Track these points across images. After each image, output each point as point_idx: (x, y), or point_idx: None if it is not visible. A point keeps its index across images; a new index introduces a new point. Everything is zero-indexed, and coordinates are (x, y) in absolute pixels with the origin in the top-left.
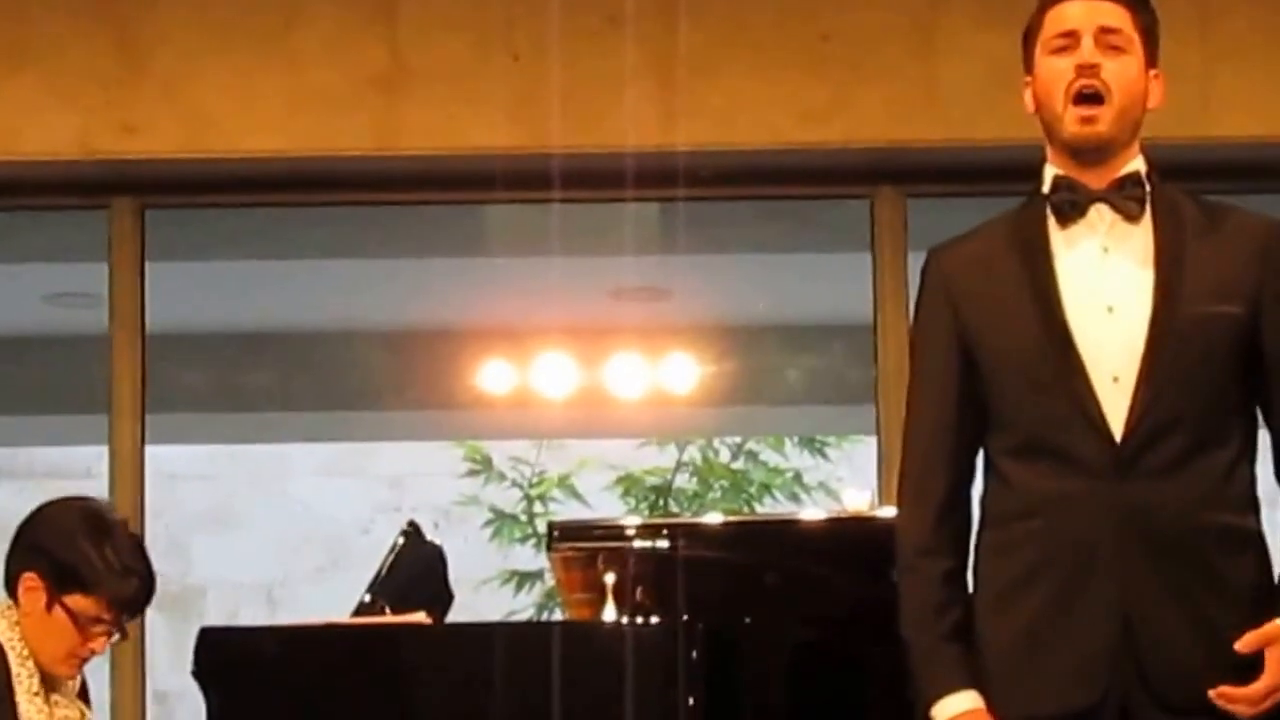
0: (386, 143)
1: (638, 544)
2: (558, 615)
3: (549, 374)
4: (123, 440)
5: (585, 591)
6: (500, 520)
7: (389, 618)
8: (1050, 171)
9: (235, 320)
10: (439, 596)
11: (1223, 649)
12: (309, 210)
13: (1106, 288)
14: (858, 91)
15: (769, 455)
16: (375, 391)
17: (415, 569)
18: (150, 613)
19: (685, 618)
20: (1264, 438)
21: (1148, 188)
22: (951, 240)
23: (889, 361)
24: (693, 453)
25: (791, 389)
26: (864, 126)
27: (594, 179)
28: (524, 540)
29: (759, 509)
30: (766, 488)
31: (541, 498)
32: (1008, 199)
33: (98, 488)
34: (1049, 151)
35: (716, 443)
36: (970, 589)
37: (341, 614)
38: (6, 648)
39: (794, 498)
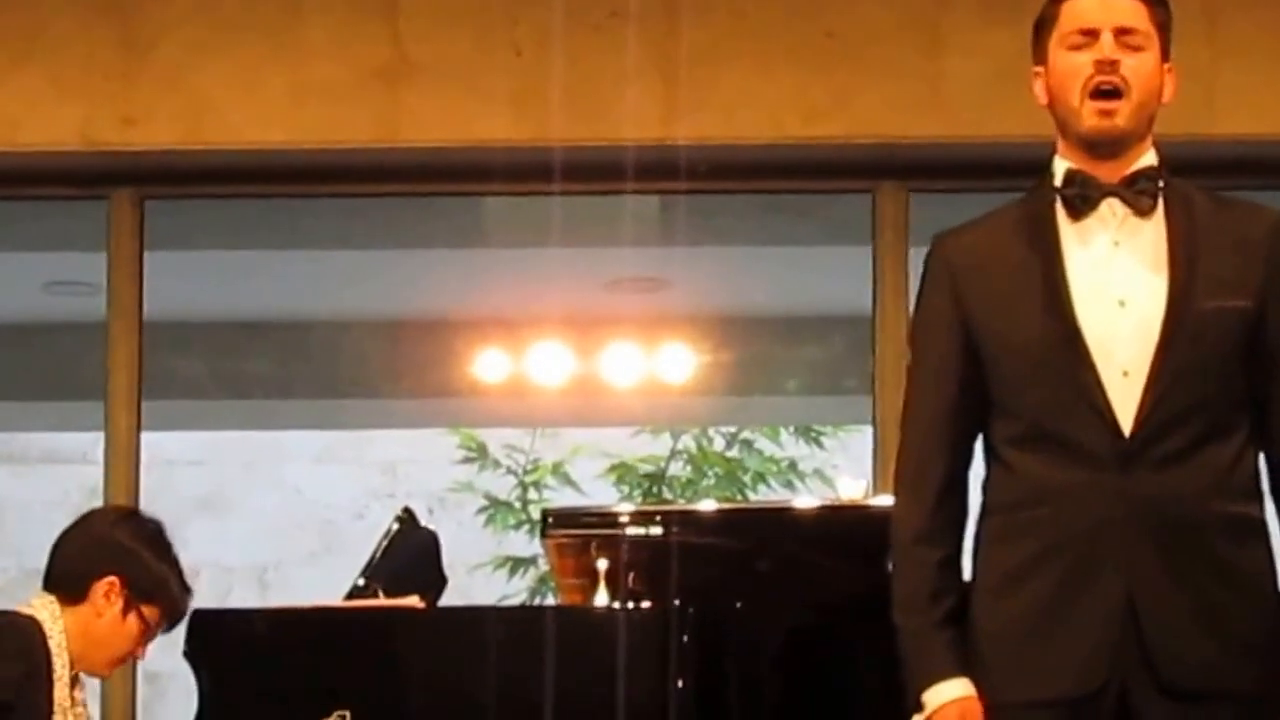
0: (388, 135)
1: (630, 530)
2: (551, 600)
3: (544, 363)
4: (119, 426)
5: (578, 577)
6: (494, 507)
7: (382, 601)
8: (1061, 165)
9: (232, 309)
10: (432, 581)
11: (1229, 636)
12: (307, 201)
13: (1117, 281)
14: (860, 87)
15: (764, 444)
16: (371, 379)
17: (409, 554)
18: None
19: (677, 603)
20: None
21: (1160, 183)
22: (957, 228)
23: (886, 353)
24: (687, 441)
25: (787, 380)
26: (866, 121)
27: (594, 172)
28: (518, 526)
29: (753, 497)
30: (761, 476)
31: (536, 485)
32: (1010, 194)
33: (94, 473)
34: (1060, 144)
35: (711, 431)
36: (967, 575)
37: (334, 598)
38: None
39: (789, 486)
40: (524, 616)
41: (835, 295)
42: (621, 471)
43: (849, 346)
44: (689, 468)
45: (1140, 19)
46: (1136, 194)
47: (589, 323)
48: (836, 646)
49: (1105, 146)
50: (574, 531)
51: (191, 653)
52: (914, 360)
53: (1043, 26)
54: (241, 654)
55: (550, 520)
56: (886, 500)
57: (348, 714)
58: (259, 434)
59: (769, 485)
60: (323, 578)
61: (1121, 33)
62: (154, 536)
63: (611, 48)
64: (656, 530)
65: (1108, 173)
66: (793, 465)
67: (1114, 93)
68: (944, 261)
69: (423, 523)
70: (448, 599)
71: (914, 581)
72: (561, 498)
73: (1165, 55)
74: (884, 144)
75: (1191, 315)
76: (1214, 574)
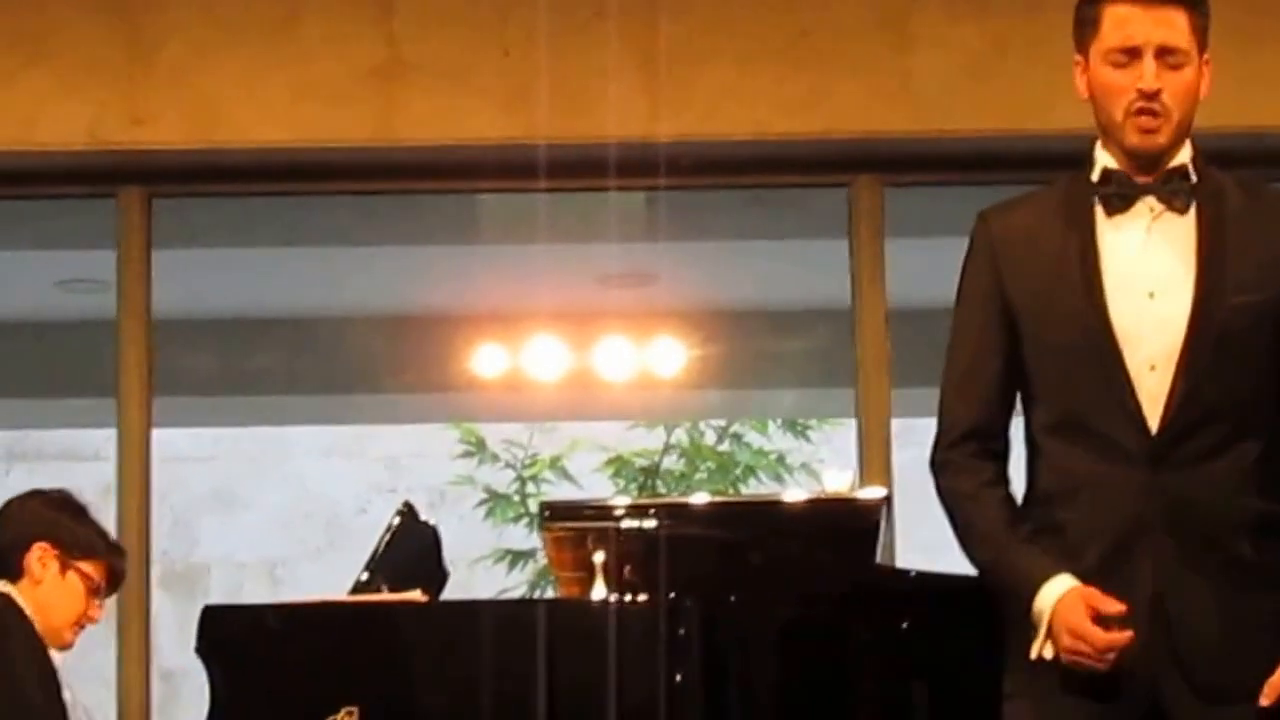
0: (384, 133)
1: (626, 524)
2: (549, 593)
3: (540, 358)
4: (131, 423)
5: (576, 570)
6: (494, 500)
7: (386, 595)
8: (1101, 160)
9: (239, 305)
10: (434, 575)
11: (1258, 636)
12: (310, 199)
13: (1149, 274)
14: (836, 83)
15: (753, 437)
16: (373, 375)
17: (411, 548)
18: (155, 591)
19: (672, 596)
20: None
21: (1193, 179)
22: (1002, 205)
23: (867, 345)
24: (680, 435)
25: (774, 372)
26: (842, 117)
27: (581, 168)
28: (517, 520)
29: (744, 490)
30: (751, 469)
31: (534, 478)
32: (982, 187)
33: (106, 470)
34: (1101, 138)
35: (702, 425)
36: None
37: (340, 592)
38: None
39: (778, 479)
40: (523, 610)
41: (818, 288)
42: (617, 465)
43: (832, 339)
44: (682, 461)
45: (1181, 32)
46: (1170, 193)
47: (582, 317)
48: (828, 637)
49: (1147, 161)
50: (571, 524)
51: (203, 649)
52: (955, 331)
53: (1084, 25)
54: (251, 649)
55: (548, 513)
56: (873, 492)
57: (356, 710)
58: (266, 429)
59: (759, 479)
60: (328, 572)
61: (1163, 51)
62: (65, 503)
63: (596, 47)
64: (651, 523)
65: (1144, 172)
66: (781, 459)
67: (1155, 120)
68: (987, 237)
69: (423, 517)
70: (449, 592)
71: (984, 517)
72: (559, 491)
73: (1203, 50)
74: (859, 139)
75: (1219, 310)
76: (1241, 572)
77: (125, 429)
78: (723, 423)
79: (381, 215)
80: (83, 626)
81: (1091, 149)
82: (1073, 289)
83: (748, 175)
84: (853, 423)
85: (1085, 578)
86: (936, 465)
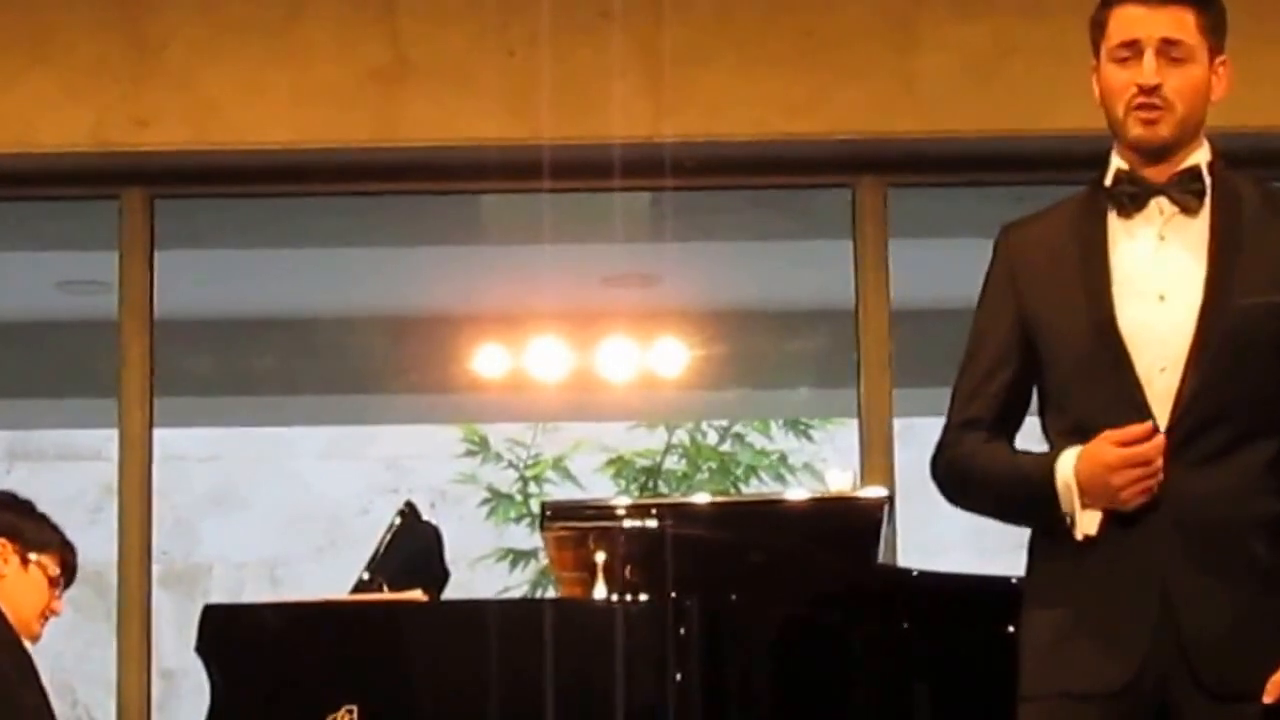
0: (386, 134)
1: (627, 524)
2: (551, 593)
3: (543, 358)
4: (132, 423)
5: (577, 570)
6: (496, 500)
7: (386, 595)
8: (1114, 163)
9: (240, 306)
10: (435, 574)
11: (1265, 635)
12: (312, 200)
13: (1160, 276)
14: (839, 84)
15: (755, 437)
16: (375, 375)
17: (412, 548)
18: (156, 591)
19: (673, 595)
20: None
21: (1208, 180)
22: (1023, 219)
23: (870, 346)
24: (681, 435)
25: (777, 372)
26: (845, 118)
27: (585, 169)
28: (519, 520)
29: (745, 490)
30: (753, 469)
31: (536, 478)
32: (986, 188)
33: (107, 470)
34: (1115, 143)
35: (704, 425)
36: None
37: (341, 592)
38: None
39: (779, 479)
40: (525, 609)
41: (820, 289)
42: (619, 465)
43: (835, 340)
44: (684, 462)
45: (1186, 29)
46: (1183, 193)
47: (585, 318)
48: (829, 636)
49: (1151, 153)
50: (572, 524)
51: (202, 648)
52: (971, 341)
53: (1095, 29)
54: (251, 648)
55: (549, 513)
56: (874, 492)
57: (355, 709)
58: (267, 430)
59: (760, 479)
60: (330, 573)
61: (1166, 44)
62: (13, 502)
63: (599, 48)
64: (653, 523)
65: (1156, 172)
66: (783, 458)
67: (1155, 108)
68: (1005, 251)
69: (425, 517)
70: (450, 592)
71: (980, 455)
72: (561, 491)
73: (1217, 51)
74: (862, 139)
75: (1229, 311)
76: (1250, 573)
77: (126, 429)
78: (724, 423)
79: (384, 216)
80: (47, 618)
81: (1108, 154)
82: (1083, 294)
83: (751, 176)
84: (855, 423)
85: (1098, 574)
86: (936, 452)
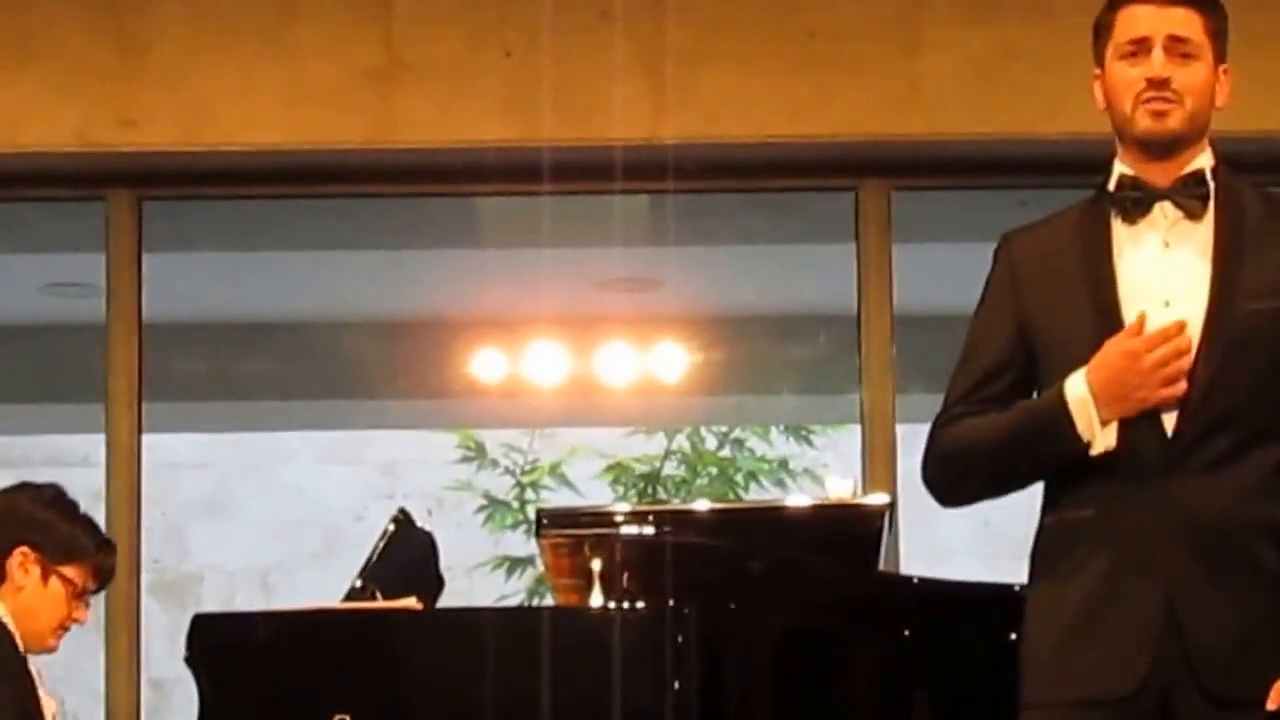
0: (381, 136)
1: (624, 530)
2: (548, 600)
3: (540, 363)
4: (120, 429)
5: (573, 577)
6: (493, 506)
7: (380, 603)
8: (1117, 169)
9: (231, 310)
10: (429, 582)
11: (1269, 642)
12: (304, 202)
13: (1165, 282)
14: (842, 86)
15: (755, 443)
16: (369, 380)
17: (406, 555)
18: (146, 600)
19: (671, 603)
20: None
21: (1212, 185)
22: (1024, 226)
23: (872, 351)
24: (681, 441)
25: (778, 378)
26: (849, 121)
27: (585, 171)
28: (515, 526)
29: (745, 496)
30: (753, 475)
31: (534, 485)
32: (990, 191)
33: (95, 476)
34: (1118, 148)
35: (704, 430)
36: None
37: (335, 600)
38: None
39: (780, 485)
40: (522, 617)
41: (822, 293)
42: (617, 472)
43: (837, 345)
44: (683, 467)
45: (1193, 28)
46: (1187, 197)
47: (583, 322)
48: (829, 645)
49: (1159, 148)
50: (568, 532)
51: (191, 657)
52: (968, 345)
53: (1100, 33)
54: (241, 658)
55: (545, 520)
56: (875, 498)
57: (348, 717)
58: (259, 435)
59: (761, 485)
60: (324, 580)
61: (1174, 41)
62: (54, 500)
63: (599, 49)
64: (649, 530)
65: (1160, 176)
66: (784, 464)
67: (1166, 100)
68: (1007, 259)
69: (420, 523)
70: (447, 599)
71: (984, 416)
72: (559, 498)
73: (1221, 58)
74: (865, 142)
75: (1234, 317)
76: (1255, 580)
77: (114, 435)
78: (724, 428)
79: (379, 219)
80: (66, 629)
81: (1110, 162)
82: (1089, 301)
83: (752, 179)
84: (856, 427)
85: (1102, 580)
86: (924, 454)
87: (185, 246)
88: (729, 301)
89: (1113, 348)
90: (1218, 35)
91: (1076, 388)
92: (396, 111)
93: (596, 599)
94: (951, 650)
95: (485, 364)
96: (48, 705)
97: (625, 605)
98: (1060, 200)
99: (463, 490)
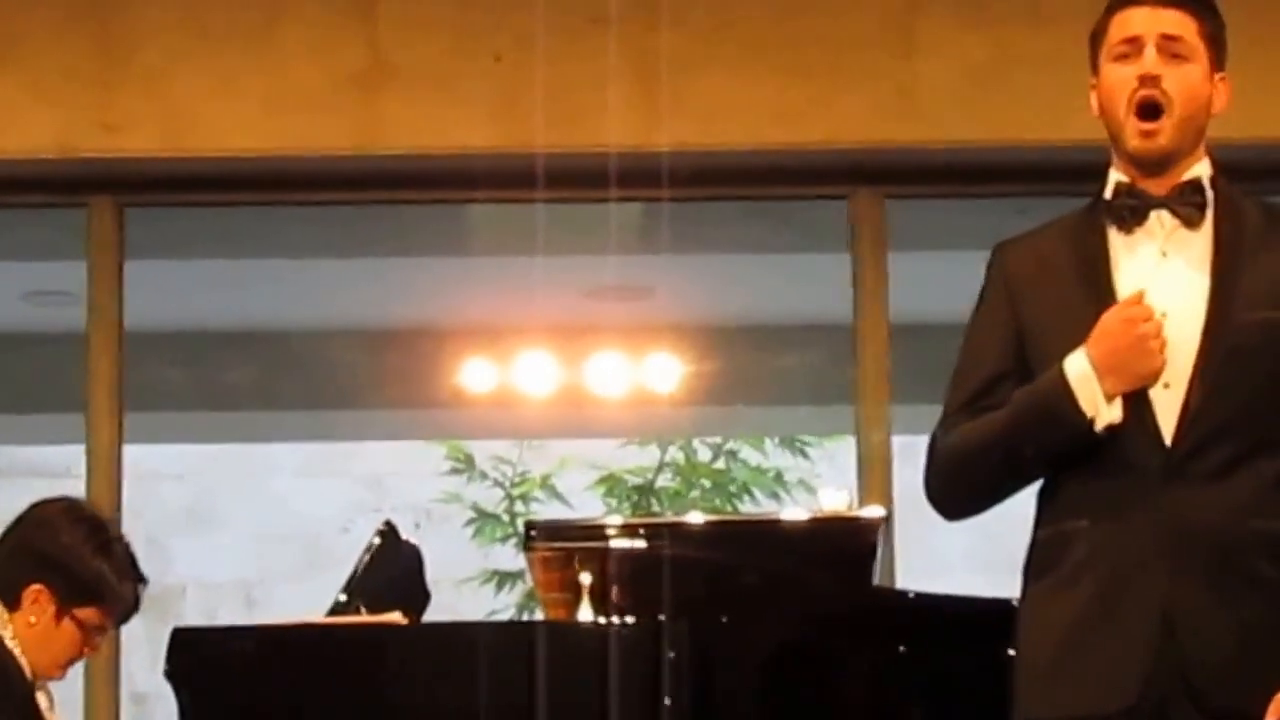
0: (367, 142)
1: (614, 544)
2: (539, 615)
3: (531, 373)
4: (100, 439)
5: (562, 591)
6: (482, 519)
7: (364, 618)
8: (1113, 177)
9: (215, 319)
10: (415, 596)
11: (1268, 656)
12: (289, 209)
13: (1163, 292)
14: (837, 93)
15: (749, 454)
16: (356, 390)
17: (391, 569)
18: None
19: (662, 618)
20: None
21: (1209, 194)
22: (1018, 236)
23: (868, 361)
24: (674, 453)
25: (772, 388)
26: (843, 127)
27: (576, 179)
28: (505, 540)
29: (740, 508)
30: (748, 487)
31: (523, 497)
32: (985, 200)
33: (75, 486)
34: (1113, 156)
35: (696, 442)
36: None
37: (320, 614)
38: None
39: (775, 497)
40: (510, 632)
41: (817, 303)
42: (610, 483)
43: (832, 355)
44: (677, 479)
45: (1186, 28)
46: (1184, 205)
47: (574, 332)
48: (822, 659)
49: (1150, 165)
50: (557, 545)
51: (171, 672)
52: (963, 357)
53: (1096, 39)
54: (221, 672)
55: (533, 533)
56: (871, 511)
57: None
58: (242, 446)
59: (755, 497)
60: (309, 594)
61: (1166, 40)
62: (89, 533)
63: (591, 54)
64: (640, 543)
65: (1156, 185)
66: (778, 476)
67: (1156, 110)
68: (1002, 269)
69: (407, 536)
70: (434, 614)
71: (975, 424)
72: (549, 510)
73: (1217, 66)
74: (860, 149)
75: (1232, 326)
76: (1253, 592)
77: (94, 445)
78: (718, 440)
79: (365, 226)
80: (75, 661)
81: (1106, 170)
82: (1085, 311)
83: (747, 186)
84: (851, 439)
85: (1097, 592)
86: (925, 468)
87: (168, 254)
88: (722, 311)
89: (1112, 316)
90: (1213, 41)
91: (1077, 363)
92: (383, 117)
93: (585, 613)
94: (947, 666)
95: (474, 374)
96: None
97: (616, 620)
98: (1060, 208)
99: (451, 503)
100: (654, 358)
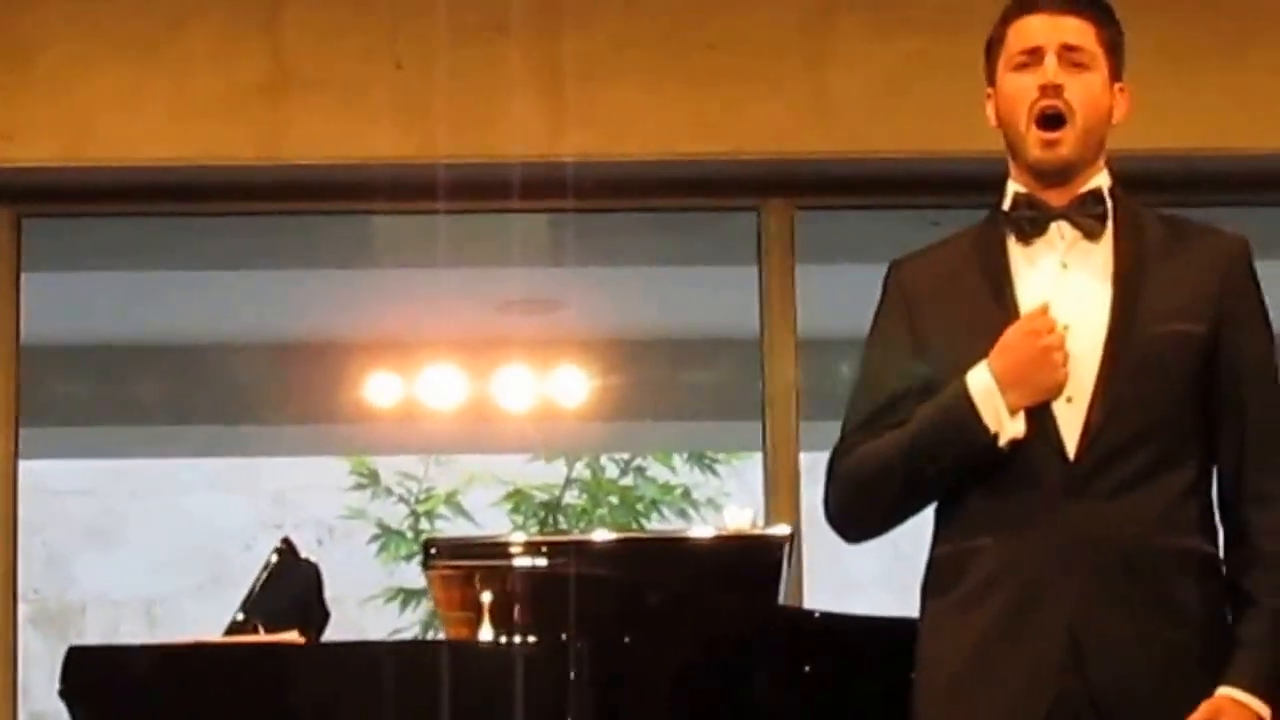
0: (270, 152)
1: (516, 562)
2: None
3: (436, 387)
4: None
5: (463, 610)
6: (386, 536)
7: (260, 636)
8: (1011, 188)
9: (116, 332)
10: (313, 615)
11: (1174, 672)
12: (192, 220)
13: (1064, 305)
14: (747, 102)
15: (657, 470)
16: (260, 405)
17: (290, 587)
18: (26, 631)
19: (565, 637)
20: None
21: (1109, 204)
22: (913, 253)
23: (775, 376)
24: (582, 469)
25: (680, 403)
26: (753, 137)
27: (481, 189)
28: (410, 558)
29: (648, 526)
30: (655, 504)
31: (429, 514)
32: (897, 211)
33: None
34: (1011, 167)
35: (604, 459)
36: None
37: (219, 632)
38: None
39: (683, 514)
40: (409, 651)
41: (726, 317)
42: (517, 499)
43: (740, 370)
44: (584, 496)
45: (1086, 38)
46: (1084, 216)
47: (481, 345)
48: (727, 680)
49: (1051, 176)
50: (457, 563)
51: (66, 692)
52: (863, 377)
53: (992, 48)
54: (118, 692)
55: (433, 551)
56: (776, 529)
57: None
58: (146, 462)
59: (663, 514)
60: (211, 611)
61: (1067, 50)
62: None
63: (496, 62)
64: (541, 561)
65: (1056, 196)
66: (686, 493)
67: (1058, 120)
68: (899, 287)
69: (308, 554)
70: (338, 632)
71: (876, 442)
72: (455, 528)
73: (1117, 75)
74: (770, 160)
75: (1135, 340)
76: (1159, 609)
77: None
78: (626, 456)
79: (269, 237)
80: None
81: (1004, 181)
82: (988, 325)
83: (655, 197)
84: (758, 455)
85: (1001, 611)
86: (825, 490)
87: (68, 266)
88: (630, 324)
89: (1015, 330)
90: (1113, 49)
91: (979, 378)
92: (287, 126)
93: (486, 633)
94: (853, 687)
95: (379, 388)
96: None
97: (519, 639)
98: (974, 220)
99: (355, 519)
100: (561, 371)
